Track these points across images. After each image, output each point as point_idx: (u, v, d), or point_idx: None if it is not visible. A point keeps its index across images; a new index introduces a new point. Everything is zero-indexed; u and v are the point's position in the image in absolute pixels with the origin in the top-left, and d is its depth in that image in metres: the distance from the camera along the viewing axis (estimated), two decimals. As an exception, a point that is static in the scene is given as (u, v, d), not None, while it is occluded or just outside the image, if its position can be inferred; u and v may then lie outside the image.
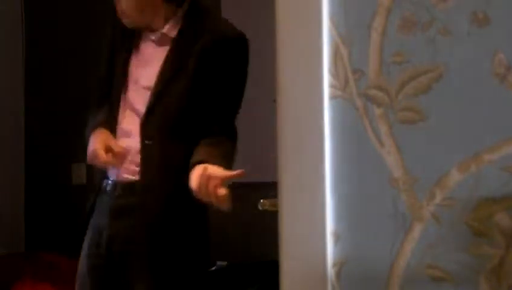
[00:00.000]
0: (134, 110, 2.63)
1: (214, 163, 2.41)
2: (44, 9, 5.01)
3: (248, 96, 4.98)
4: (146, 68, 2.64)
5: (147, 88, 2.61)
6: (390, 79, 1.71)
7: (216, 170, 2.36)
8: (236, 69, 2.64)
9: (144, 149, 2.59)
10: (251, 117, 4.70)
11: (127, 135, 2.64)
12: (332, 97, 1.75)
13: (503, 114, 1.66)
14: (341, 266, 1.74)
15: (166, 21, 2.63)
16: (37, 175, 5.00)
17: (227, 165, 2.44)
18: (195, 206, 2.55)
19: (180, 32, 2.62)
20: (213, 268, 4.32)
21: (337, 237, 1.75)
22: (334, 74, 1.75)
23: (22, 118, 5.00)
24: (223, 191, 2.31)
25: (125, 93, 2.66)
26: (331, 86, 1.75)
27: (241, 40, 2.65)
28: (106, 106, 2.71)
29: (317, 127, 1.75)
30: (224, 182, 2.34)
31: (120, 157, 2.60)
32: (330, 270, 1.75)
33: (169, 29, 2.63)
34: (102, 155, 2.59)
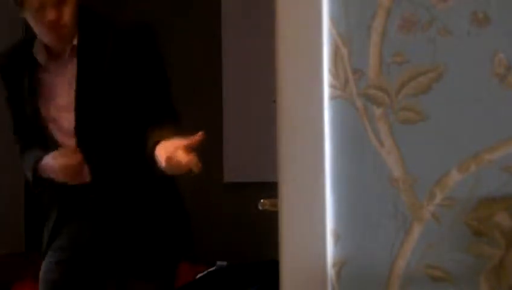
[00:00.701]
0: (70, 133, 2.61)
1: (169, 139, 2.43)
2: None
3: (248, 96, 4.99)
4: (62, 90, 2.60)
5: (68, 107, 2.58)
6: (390, 79, 1.71)
7: (177, 141, 2.38)
8: (149, 54, 2.60)
9: (90, 162, 2.60)
10: (251, 117, 4.71)
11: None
12: (332, 97, 1.75)
13: (503, 114, 1.66)
14: (341, 266, 1.75)
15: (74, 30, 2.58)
16: (37, 175, 4.99)
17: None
18: (159, 200, 2.63)
19: (81, 40, 2.55)
20: (213, 268, 4.32)
21: (337, 237, 1.75)
22: (334, 74, 1.75)
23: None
24: (191, 157, 2.32)
25: (53, 124, 2.64)
26: (331, 86, 1.75)
27: (141, 25, 2.62)
28: (35, 144, 2.70)
29: (317, 127, 1.75)
30: (188, 149, 2.35)
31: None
32: (330, 270, 1.75)
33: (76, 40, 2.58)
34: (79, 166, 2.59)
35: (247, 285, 4.07)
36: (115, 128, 2.59)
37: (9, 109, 2.75)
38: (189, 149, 2.34)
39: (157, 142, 2.44)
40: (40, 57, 2.61)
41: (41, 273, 2.77)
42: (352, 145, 1.74)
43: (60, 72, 2.60)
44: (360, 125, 1.73)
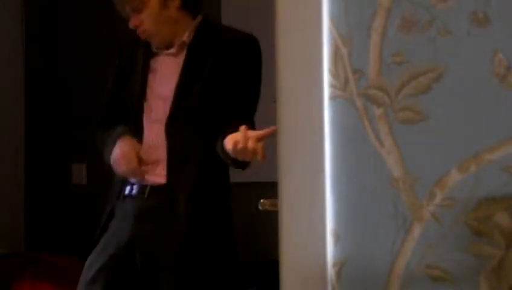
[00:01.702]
0: (158, 122, 2.71)
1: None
2: (44, 8, 5.01)
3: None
4: (165, 80, 2.74)
5: (167, 98, 2.70)
6: (390, 79, 1.71)
7: (249, 131, 2.45)
8: (250, 68, 2.73)
9: (170, 154, 2.67)
10: (251, 117, 4.70)
11: (155, 146, 2.71)
12: (332, 97, 1.75)
13: (503, 114, 1.66)
14: (341, 266, 1.74)
15: (184, 32, 2.75)
16: (37, 175, 5.00)
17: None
18: (221, 205, 2.71)
19: (194, 39, 2.74)
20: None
21: (337, 237, 1.75)
22: (334, 73, 1.75)
23: (22, 118, 5.00)
24: (260, 144, 2.40)
25: (147, 110, 2.75)
26: (331, 86, 1.75)
27: (252, 40, 2.76)
28: (121, 124, 2.79)
29: (317, 127, 1.75)
30: (259, 140, 2.43)
31: (144, 169, 2.69)
32: (330, 270, 1.75)
33: (187, 37, 2.75)
34: (134, 159, 2.67)
35: (247, 285, 4.07)
36: (199, 130, 2.68)
37: (110, 94, 2.88)
38: (258, 139, 2.41)
39: (230, 133, 2.51)
40: (153, 45, 2.78)
41: (88, 261, 2.77)
42: (352, 145, 1.74)
43: (167, 63, 2.75)
44: (360, 125, 1.73)
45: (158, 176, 2.69)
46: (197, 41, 2.73)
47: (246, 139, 2.41)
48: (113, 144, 2.72)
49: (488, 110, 1.66)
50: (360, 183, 1.73)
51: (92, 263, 2.75)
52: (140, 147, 2.71)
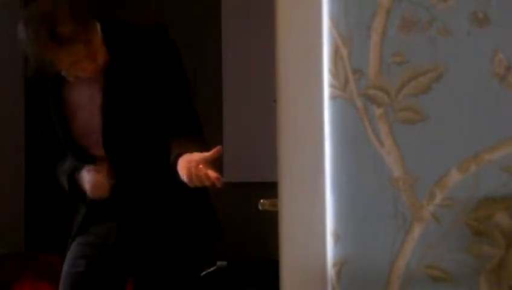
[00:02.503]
0: (96, 142, 2.65)
1: (190, 152, 2.47)
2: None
3: (248, 96, 4.98)
4: (88, 107, 2.64)
5: (96, 125, 2.62)
6: (390, 79, 1.71)
7: (197, 156, 2.42)
8: (166, 57, 2.64)
9: (114, 165, 2.64)
10: (251, 117, 4.71)
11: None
12: (332, 97, 1.75)
13: (503, 114, 1.66)
14: (341, 266, 1.74)
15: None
16: (37, 175, 4.99)
17: (202, 149, 2.48)
18: (183, 195, 2.65)
19: (109, 61, 2.57)
20: (213, 268, 4.32)
21: (337, 237, 1.75)
22: (334, 73, 1.75)
23: (22, 118, 4.99)
24: (213, 172, 2.37)
25: (80, 135, 2.68)
26: (331, 86, 1.75)
27: (156, 30, 2.65)
28: (68, 155, 2.74)
29: (317, 127, 1.75)
30: (208, 163, 2.40)
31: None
32: (330, 270, 1.75)
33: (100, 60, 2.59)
34: (104, 185, 2.63)
35: (247, 285, 4.07)
36: (140, 134, 2.64)
37: (40, 125, 2.83)
38: (209, 163, 2.38)
39: (179, 155, 2.48)
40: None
41: (65, 267, 2.81)
42: (352, 145, 1.74)
43: (87, 85, 2.61)
44: (360, 125, 1.73)
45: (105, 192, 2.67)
46: (111, 63, 2.55)
47: (196, 166, 2.37)
48: (67, 177, 2.70)
49: (488, 110, 1.66)
50: (360, 183, 1.73)
51: (70, 268, 2.77)
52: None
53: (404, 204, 1.71)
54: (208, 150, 2.41)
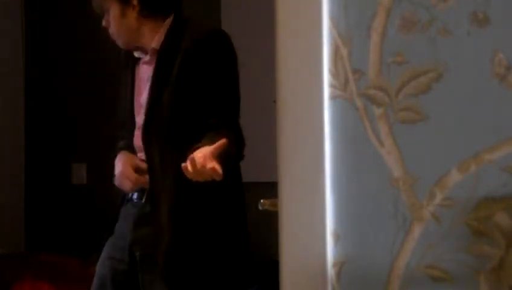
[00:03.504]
0: (139, 129, 2.73)
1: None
2: (44, 9, 5.01)
3: (248, 96, 4.98)
4: (142, 88, 2.74)
5: (143, 107, 2.71)
6: (390, 79, 1.71)
7: (200, 151, 2.40)
8: (221, 63, 2.67)
9: (148, 161, 2.67)
10: (251, 117, 4.71)
11: (140, 150, 2.73)
12: (332, 97, 1.75)
13: (503, 114, 1.66)
14: (341, 266, 1.74)
15: (153, 36, 2.71)
16: (37, 175, 5.00)
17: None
18: (210, 210, 2.64)
19: (163, 44, 2.69)
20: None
21: (337, 237, 1.75)
22: (334, 73, 1.75)
23: (22, 118, 4.99)
24: (210, 163, 2.34)
25: (134, 114, 2.77)
26: (331, 86, 1.75)
27: (219, 35, 2.71)
28: (125, 128, 2.83)
29: (317, 127, 1.75)
30: (213, 156, 2.37)
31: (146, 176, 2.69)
32: (330, 270, 1.75)
33: (156, 43, 2.71)
34: (132, 174, 2.68)
35: (247, 285, 4.06)
36: (177, 134, 2.64)
37: (117, 99, 2.92)
38: (214, 156, 2.36)
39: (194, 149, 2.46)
40: (136, 53, 2.79)
41: (97, 266, 2.82)
42: (352, 145, 1.74)
43: (144, 71, 2.74)
44: (360, 125, 1.73)
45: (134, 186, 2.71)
46: (165, 47, 2.69)
47: (202, 156, 2.36)
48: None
49: (488, 110, 1.66)
50: (360, 183, 1.73)
51: (100, 268, 2.77)
52: (135, 158, 2.72)
53: (404, 204, 1.71)
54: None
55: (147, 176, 2.67)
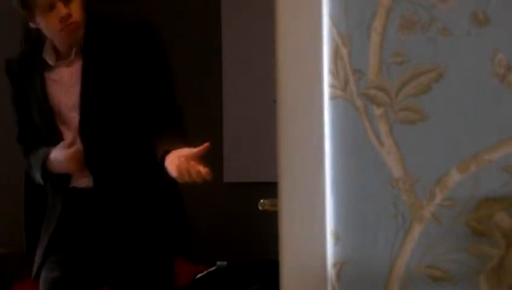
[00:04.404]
0: (75, 131, 2.67)
1: (178, 148, 2.50)
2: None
3: (248, 96, 4.98)
4: (68, 89, 2.67)
5: (75, 105, 2.65)
6: (390, 79, 1.71)
7: (187, 151, 2.47)
8: (151, 51, 2.67)
9: (88, 162, 2.65)
10: (251, 117, 4.71)
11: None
12: (332, 97, 1.75)
13: (503, 114, 1.66)
14: (341, 266, 1.74)
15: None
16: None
17: (186, 144, 2.53)
18: (157, 199, 2.68)
19: (86, 41, 2.64)
20: (213, 268, 4.32)
21: (337, 237, 1.75)
22: (334, 73, 1.75)
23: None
24: (203, 168, 2.42)
25: (63, 122, 2.70)
26: (331, 86, 1.75)
27: (140, 24, 2.70)
28: (40, 143, 2.77)
29: (317, 127, 1.75)
30: (196, 159, 2.45)
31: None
32: (330, 270, 1.75)
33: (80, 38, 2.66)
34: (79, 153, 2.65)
35: (247, 285, 4.07)
36: (120, 128, 2.65)
37: (16, 112, 2.87)
38: (197, 158, 2.43)
39: (167, 151, 2.51)
40: (49, 58, 2.68)
41: (43, 273, 2.77)
42: (352, 145, 1.74)
43: (68, 72, 2.68)
44: (360, 125, 1.73)
45: (85, 181, 2.69)
46: (90, 44, 2.64)
47: (186, 162, 2.42)
48: (41, 163, 2.71)
49: (488, 110, 1.66)
50: (360, 183, 1.73)
51: (50, 258, 2.76)
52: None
53: (404, 204, 1.71)
54: (192, 146, 2.45)
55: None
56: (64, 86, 2.68)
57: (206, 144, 2.43)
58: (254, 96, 4.67)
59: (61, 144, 2.66)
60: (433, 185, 1.69)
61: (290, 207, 1.77)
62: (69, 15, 2.57)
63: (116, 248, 2.66)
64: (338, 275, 1.75)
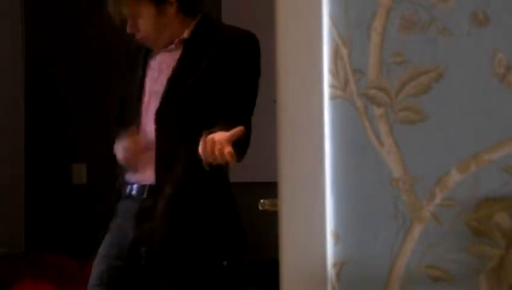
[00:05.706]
0: (151, 118, 2.72)
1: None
2: (45, 9, 5.01)
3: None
4: (160, 75, 2.75)
5: (160, 92, 2.71)
6: (390, 79, 1.71)
7: (218, 134, 2.42)
8: (246, 65, 2.71)
9: (158, 153, 2.68)
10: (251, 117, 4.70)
11: (151, 145, 2.72)
12: (332, 97, 1.75)
13: (503, 114, 1.66)
14: (341, 266, 1.74)
15: (183, 29, 2.75)
16: (37, 175, 5.00)
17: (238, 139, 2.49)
18: (215, 201, 2.70)
19: (192, 35, 2.74)
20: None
21: (337, 237, 1.75)
22: (334, 73, 1.75)
23: (22, 117, 4.99)
24: (228, 148, 2.35)
25: (144, 107, 2.76)
26: (331, 86, 1.75)
27: (250, 37, 2.74)
28: (126, 123, 2.82)
29: (317, 127, 1.75)
30: (229, 142, 2.39)
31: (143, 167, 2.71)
32: (330, 270, 1.75)
33: (186, 34, 2.75)
34: (132, 149, 2.70)
35: (247, 285, 4.07)
36: (188, 129, 2.66)
37: (119, 96, 2.93)
38: (230, 142, 2.37)
39: (206, 134, 2.47)
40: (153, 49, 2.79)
41: (94, 263, 2.80)
42: (352, 145, 1.74)
43: (163, 59, 2.77)
44: (360, 125, 1.73)
45: (149, 177, 2.71)
46: (194, 37, 2.73)
47: (212, 142, 2.38)
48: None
49: (488, 110, 1.66)
50: (360, 183, 1.73)
51: (97, 265, 2.77)
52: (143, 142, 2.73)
53: (404, 204, 1.71)
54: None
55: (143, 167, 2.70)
56: (158, 71, 2.76)
57: (240, 127, 2.38)
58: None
59: (127, 134, 2.71)
60: (433, 185, 1.69)
61: (290, 207, 1.77)
62: (137, 31, 2.71)
63: (163, 246, 2.66)
64: (338, 275, 1.75)
